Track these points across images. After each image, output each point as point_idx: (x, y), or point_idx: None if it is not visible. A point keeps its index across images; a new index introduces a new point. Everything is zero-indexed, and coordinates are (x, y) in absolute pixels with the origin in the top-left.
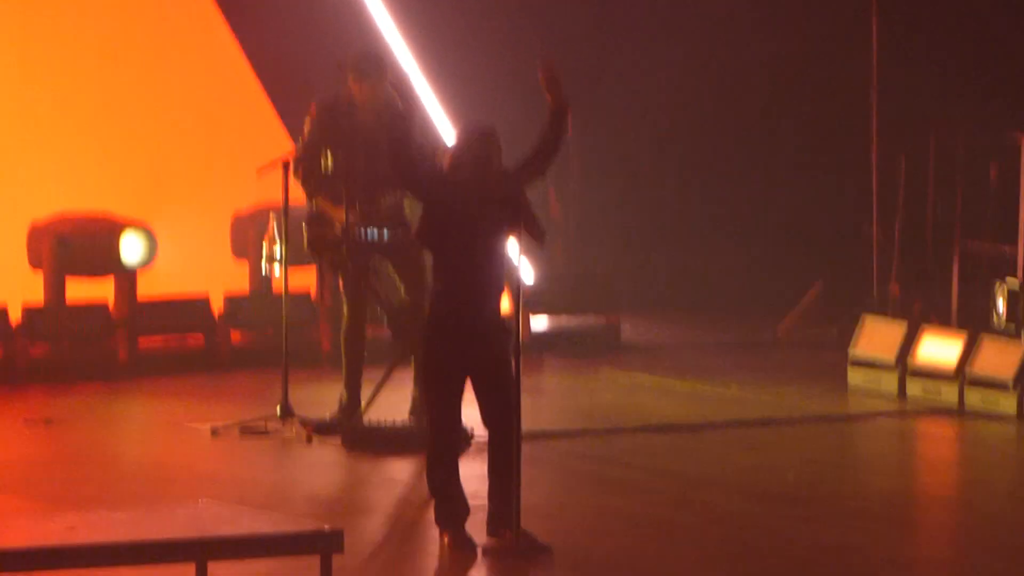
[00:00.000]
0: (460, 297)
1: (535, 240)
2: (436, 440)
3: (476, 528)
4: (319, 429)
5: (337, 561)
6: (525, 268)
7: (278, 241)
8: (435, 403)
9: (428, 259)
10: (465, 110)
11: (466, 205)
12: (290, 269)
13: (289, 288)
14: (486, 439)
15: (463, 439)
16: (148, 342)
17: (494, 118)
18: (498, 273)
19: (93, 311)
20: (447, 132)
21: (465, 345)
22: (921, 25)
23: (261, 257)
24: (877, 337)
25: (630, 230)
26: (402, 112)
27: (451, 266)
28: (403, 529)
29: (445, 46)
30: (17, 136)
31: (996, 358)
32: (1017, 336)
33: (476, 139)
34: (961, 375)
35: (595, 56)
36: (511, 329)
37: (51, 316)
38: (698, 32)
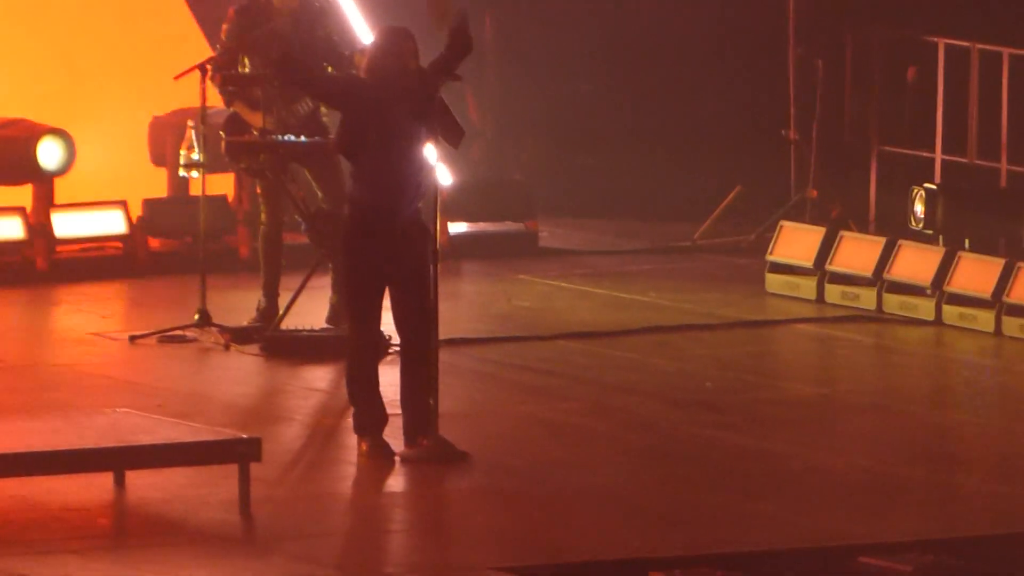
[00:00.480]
0: (379, 201)
1: (451, 143)
2: (355, 347)
3: (394, 436)
4: (237, 336)
5: (255, 469)
6: (443, 172)
7: (196, 147)
8: (355, 309)
9: (346, 165)
10: (381, 11)
11: (383, 108)
12: (208, 175)
13: (207, 194)
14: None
15: (382, 346)
16: (66, 249)
17: (409, 19)
18: (417, 176)
19: (10, 217)
20: (364, 33)
21: (385, 249)
22: None
23: (179, 162)
24: (795, 242)
25: (549, 134)
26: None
27: (370, 170)
28: (321, 437)
29: None
30: None
31: (914, 263)
32: (935, 241)
33: (392, 39)
34: (879, 280)
35: None
36: (431, 233)
37: None
38: None
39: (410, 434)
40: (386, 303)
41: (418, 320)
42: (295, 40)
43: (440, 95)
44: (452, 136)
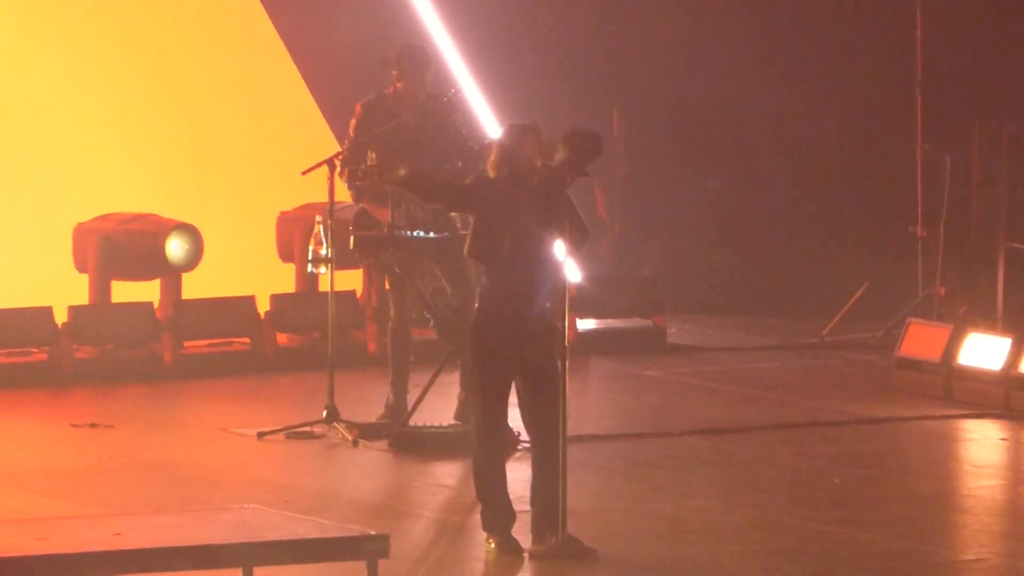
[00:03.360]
0: (510, 300)
1: (574, 244)
2: (482, 443)
3: (522, 533)
4: (365, 432)
5: (383, 566)
6: (572, 269)
7: (324, 242)
8: (482, 405)
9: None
10: (509, 106)
11: (513, 209)
12: (336, 270)
13: (335, 289)
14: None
15: (510, 442)
16: (194, 345)
17: (538, 113)
18: (547, 273)
19: (139, 312)
20: (491, 128)
21: (513, 346)
22: (965, 20)
23: (307, 258)
24: (922, 339)
25: (677, 230)
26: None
27: (502, 270)
28: (449, 533)
29: (492, 41)
30: (62, 137)
31: None
32: None
33: (520, 136)
34: (1007, 377)
35: (642, 47)
36: (559, 331)
37: (96, 318)
38: (743, 27)
39: (539, 531)
40: (513, 399)
41: (548, 418)
42: (423, 135)
43: (568, 194)
44: (576, 238)
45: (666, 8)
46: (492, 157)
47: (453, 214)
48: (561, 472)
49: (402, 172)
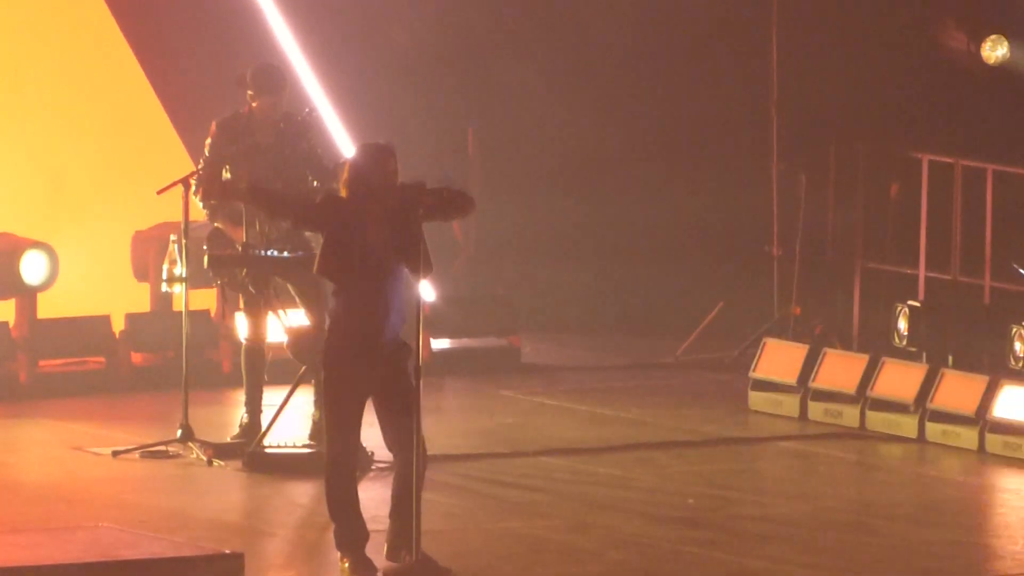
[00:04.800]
0: (362, 321)
1: (415, 274)
2: (334, 462)
3: (376, 552)
4: (220, 452)
5: None
6: (426, 288)
7: (179, 261)
8: (334, 425)
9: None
10: (364, 126)
11: (364, 228)
12: (190, 289)
13: (189, 308)
14: (388, 462)
15: (364, 462)
16: (49, 363)
17: (393, 133)
18: (397, 292)
19: None
20: (346, 148)
21: (366, 366)
22: (821, 40)
23: (162, 277)
24: (778, 359)
25: (531, 250)
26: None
27: (352, 290)
28: (304, 552)
29: (347, 60)
30: None
31: (897, 380)
32: (918, 358)
33: (375, 155)
34: (863, 397)
35: (496, 69)
36: (412, 350)
37: None
38: (594, 49)
39: (394, 548)
40: (370, 418)
41: (405, 435)
42: (278, 154)
43: (419, 226)
44: (419, 269)
45: (522, 30)
46: (344, 176)
47: (307, 233)
48: (415, 491)
49: (243, 186)
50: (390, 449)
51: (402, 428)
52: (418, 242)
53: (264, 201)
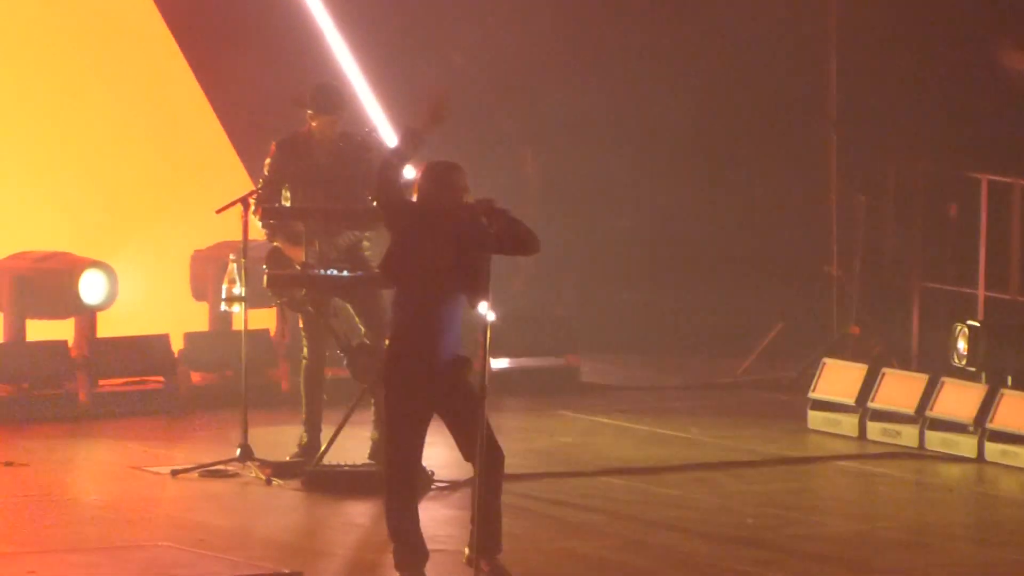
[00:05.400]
0: (417, 333)
1: (471, 301)
2: (394, 482)
3: (435, 572)
4: (279, 471)
5: None
6: (486, 308)
7: (237, 281)
8: (394, 442)
9: (389, 297)
10: (423, 145)
11: (430, 235)
12: (249, 308)
13: (248, 327)
14: (449, 481)
15: (424, 482)
16: (108, 383)
17: (451, 151)
18: (456, 311)
19: (53, 351)
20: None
21: (424, 382)
22: (880, 60)
23: (221, 296)
24: (837, 379)
25: (590, 269)
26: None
27: (409, 301)
28: (362, 573)
29: (405, 81)
30: None
31: (956, 400)
32: (977, 378)
33: (444, 170)
34: (921, 417)
35: (554, 90)
36: (471, 363)
37: (11, 356)
38: (650, 70)
39: (484, 549)
40: (430, 438)
41: (481, 441)
42: (337, 174)
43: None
44: (474, 295)
45: (580, 50)
46: (416, 186)
47: (367, 252)
48: (476, 506)
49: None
50: (467, 460)
51: (474, 436)
52: (481, 266)
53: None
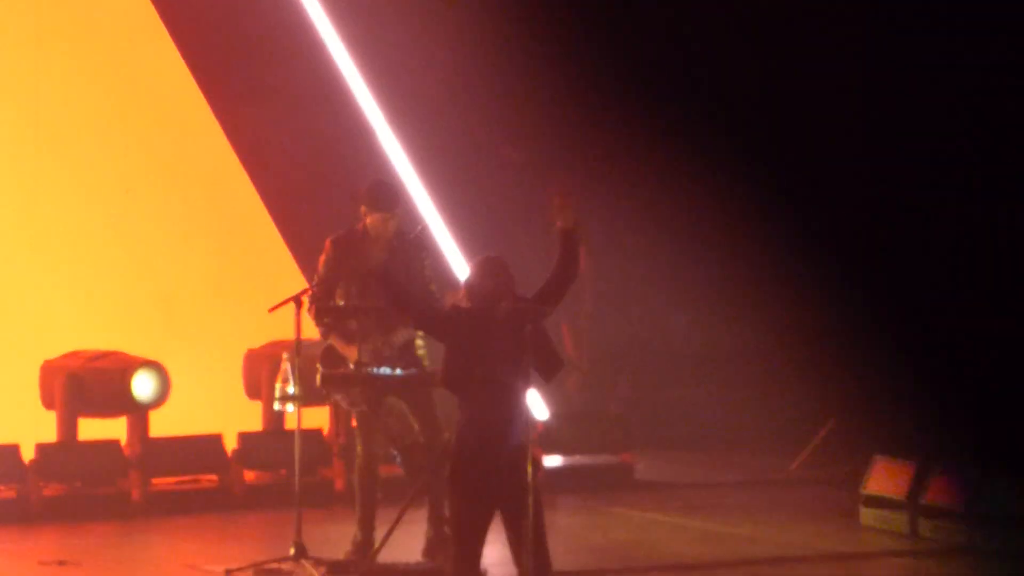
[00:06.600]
0: (485, 429)
1: (545, 376)
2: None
3: None
4: (333, 569)
5: None
6: (539, 405)
7: (291, 380)
8: (459, 537)
9: (442, 394)
10: (478, 241)
11: (487, 339)
12: (303, 407)
13: (302, 426)
14: None
15: None
16: (161, 482)
17: (506, 248)
18: (521, 403)
19: (106, 450)
20: (459, 264)
21: (491, 477)
22: None
23: (274, 395)
24: (888, 476)
25: (644, 366)
26: (386, 273)
27: (477, 401)
28: None
29: (458, 176)
30: (28, 273)
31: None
32: None
33: (491, 267)
34: (971, 513)
35: (605, 185)
36: (538, 461)
37: (64, 455)
38: (708, 159)
39: None
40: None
41: (534, 542)
42: (393, 271)
43: (543, 326)
44: (549, 368)
45: (618, 151)
46: (464, 289)
47: (420, 352)
48: None
49: (379, 269)
50: (517, 558)
51: (530, 534)
52: (545, 343)
53: (394, 288)
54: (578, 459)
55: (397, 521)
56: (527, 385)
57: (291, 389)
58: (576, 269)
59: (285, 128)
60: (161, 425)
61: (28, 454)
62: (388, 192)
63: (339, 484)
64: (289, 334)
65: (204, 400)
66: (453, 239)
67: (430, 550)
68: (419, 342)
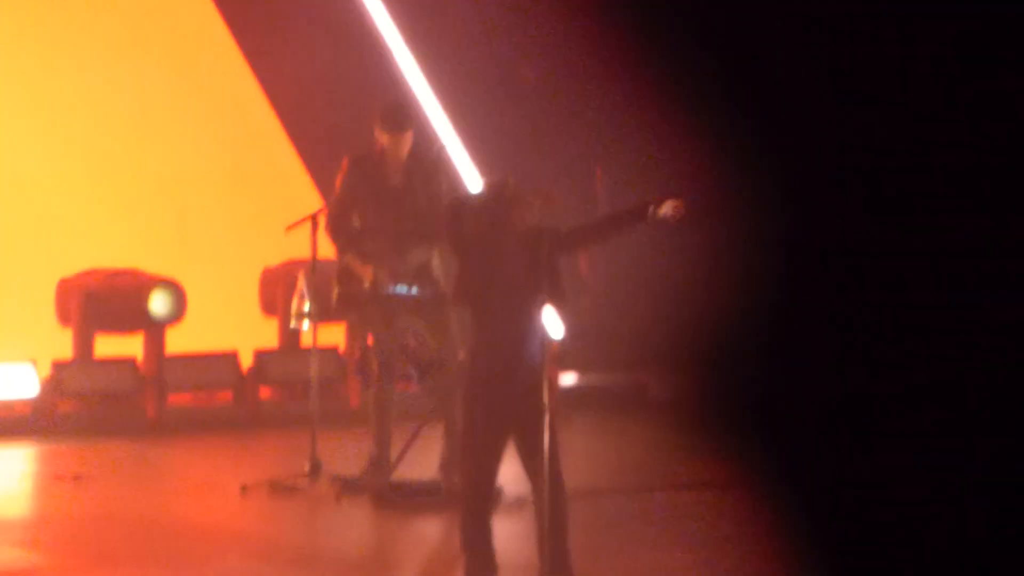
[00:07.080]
0: (497, 348)
1: (555, 307)
2: (472, 495)
3: None
4: (349, 486)
5: None
6: (554, 324)
7: (307, 297)
8: (471, 457)
9: (459, 313)
10: (491, 160)
11: (497, 257)
12: (319, 325)
13: (318, 344)
14: (516, 497)
15: (497, 497)
16: (177, 398)
17: (520, 169)
18: (534, 323)
19: (122, 367)
20: (474, 182)
21: (504, 398)
22: None
23: (290, 313)
24: None
25: (658, 283)
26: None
27: (486, 318)
28: None
29: (474, 97)
30: (45, 192)
31: None
32: None
33: (489, 196)
34: None
35: (624, 106)
36: (551, 381)
37: (80, 372)
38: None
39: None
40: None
41: (548, 463)
42: (407, 194)
43: (554, 256)
44: (556, 300)
45: (649, 65)
46: (466, 215)
47: (436, 271)
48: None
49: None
50: (531, 477)
51: (544, 454)
52: (553, 271)
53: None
54: (592, 377)
55: (412, 439)
56: (542, 304)
57: (307, 307)
58: (612, 239)
59: (302, 48)
60: (177, 342)
61: (45, 371)
62: (400, 112)
63: (355, 402)
64: (306, 253)
65: (220, 318)
66: (469, 160)
67: (446, 467)
68: (435, 261)
